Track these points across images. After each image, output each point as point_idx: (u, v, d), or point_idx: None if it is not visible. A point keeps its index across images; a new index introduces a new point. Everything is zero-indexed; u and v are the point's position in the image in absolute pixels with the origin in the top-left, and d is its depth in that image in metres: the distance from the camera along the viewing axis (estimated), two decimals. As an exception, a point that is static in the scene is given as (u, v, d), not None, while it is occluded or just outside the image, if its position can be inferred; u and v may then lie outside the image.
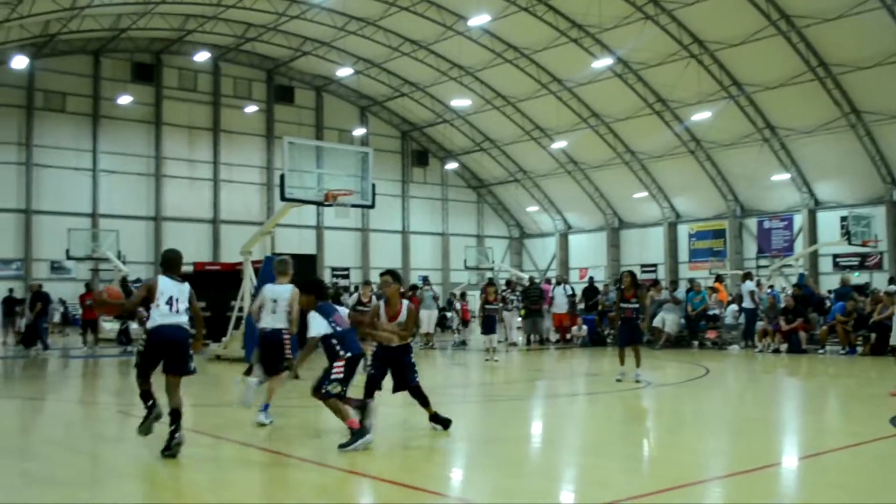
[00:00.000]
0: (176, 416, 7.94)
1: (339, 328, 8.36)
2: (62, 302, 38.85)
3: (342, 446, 8.05)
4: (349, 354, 8.27)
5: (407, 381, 9.25)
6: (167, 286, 8.02)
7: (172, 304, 7.96)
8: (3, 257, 43.46)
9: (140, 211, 47.68)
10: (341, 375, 8.19)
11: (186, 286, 8.18)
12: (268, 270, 19.63)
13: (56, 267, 43.81)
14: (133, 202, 47.40)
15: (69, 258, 38.94)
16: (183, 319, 8.03)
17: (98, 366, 20.56)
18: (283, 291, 10.18)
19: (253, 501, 6.63)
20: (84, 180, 46.22)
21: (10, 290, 31.96)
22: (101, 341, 25.94)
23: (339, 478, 7.45)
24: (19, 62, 39.80)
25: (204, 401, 13.15)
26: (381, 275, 9.57)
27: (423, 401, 9.33)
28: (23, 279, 42.35)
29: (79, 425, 10.92)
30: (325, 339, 8.34)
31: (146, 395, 8.23)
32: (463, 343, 26.55)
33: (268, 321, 10.16)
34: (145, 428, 8.25)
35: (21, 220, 44.28)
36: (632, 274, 14.86)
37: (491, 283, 22.52)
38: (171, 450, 7.87)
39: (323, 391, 8.19)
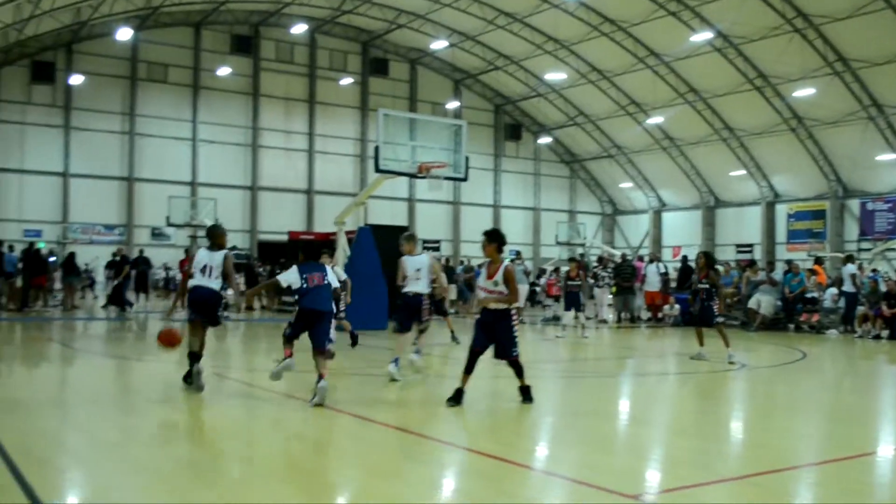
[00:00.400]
0: (195, 357, 10.03)
1: (306, 285, 9.56)
2: (166, 267, 40.07)
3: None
4: (299, 307, 9.68)
5: (506, 353, 9.28)
6: (202, 257, 10.00)
7: (205, 271, 9.88)
8: (106, 223, 45.01)
9: (237, 180, 48.72)
10: (291, 320, 9.77)
11: (220, 255, 10.03)
12: (361, 240, 19.93)
13: (156, 233, 45.18)
14: (230, 171, 48.47)
15: (169, 225, 40.11)
16: (214, 283, 10.00)
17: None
18: (423, 261, 11.80)
19: (338, 462, 6.73)
20: (184, 149, 47.44)
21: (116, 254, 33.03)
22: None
23: (424, 445, 7.51)
24: (124, 34, 40.94)
25: (298, 367, 13.39)
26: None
27: (518, 371, 9.38)
28: (125, 244, 43.78)
29: (175, 385, 11.26)
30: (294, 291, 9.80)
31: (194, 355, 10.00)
32: (556, 318, 26.31)
33: (413, 286, 11.64)
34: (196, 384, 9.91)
35: (124, 187, 45.75)
36: (707, 254, 14.98)
37: (573, 259, 22.33)
38: (191, 379, 9.99)
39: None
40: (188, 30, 47.79)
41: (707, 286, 14.51)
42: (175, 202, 39.21)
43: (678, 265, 28.44)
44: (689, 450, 7.68)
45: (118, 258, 27.30)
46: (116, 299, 25.83)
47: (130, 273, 26.89)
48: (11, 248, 26.26)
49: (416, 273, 11.63)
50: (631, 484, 6.19)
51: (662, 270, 25.78)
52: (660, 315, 25.50)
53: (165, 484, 5.85)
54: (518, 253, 28.50)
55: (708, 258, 14.73)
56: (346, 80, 51.90)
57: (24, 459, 6.18)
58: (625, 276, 25.32)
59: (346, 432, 8.18)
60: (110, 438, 7.65)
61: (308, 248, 10.13)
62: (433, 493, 5.99)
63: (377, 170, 18.75)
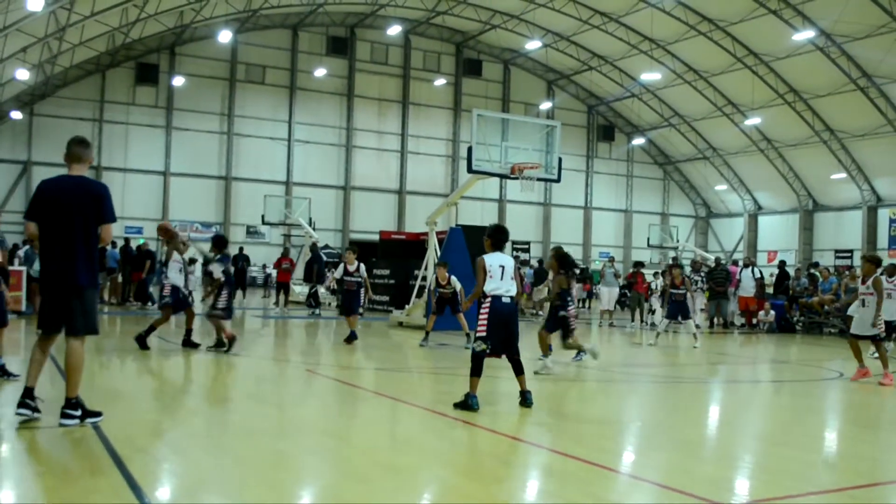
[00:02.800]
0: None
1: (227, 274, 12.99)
2: (263, 266, 41.03)
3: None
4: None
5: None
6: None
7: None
8: (204, 220, 46.25)
9: (331, 180, 49.53)
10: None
11: None
12: (452, 241, 20.02)
13: (251, 231, 46.25)
14: (324, 171, 49.31)
15: (264, 223, 41.00)
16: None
17: (287, 326, 21.58)
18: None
19: (424, 460, 6.80)
20: (280, 149, 48.45)
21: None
22: (292, 304, 27.23)
23: (509, 445, 7.53)
24: (224, 36, 42.06)
25: (385, 365, 13.57)
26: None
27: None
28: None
29: (270, 381, 11.52)
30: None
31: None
32: (653, 324, 25.82)
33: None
34: None
35: (221, 186, 46.98)
36: (559, 254, 13.00)
37: (677, 264, 21.92)
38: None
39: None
40: (286, 32, 48.79)
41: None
42: (270, 201, 40.05)
43: (774, 270, 27.77)
44: (782, 458, 7.51)
45: (140, 252, 26.43)
46: (141, 294, 25.45)
47: (155, 267, 26.30)
48: (114, 245, 27.15)
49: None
50: (719, 491, 6.10)
51: (757, 275, 25.20)
52: (754, 321, 24.96)
53: (257, 476, 6.00)
54: (611, 257, 28.15)
55: (560, 260, 12.56)
56: (440, 81, 52.21)
57: (124, 447, 6.42)
58: (718, 280, 24.81)
59: (434, 431, 8.25)
60: (206, 430, 7.89)
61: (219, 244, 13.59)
62: (521, 494, 6.01)
63: (469, 170, 18.80)
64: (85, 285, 7.08)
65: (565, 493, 5.99)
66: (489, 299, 8.74)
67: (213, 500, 5.48)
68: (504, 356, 8.86)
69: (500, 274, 8.78)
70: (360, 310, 16.09)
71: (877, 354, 15.27)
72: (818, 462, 7.57)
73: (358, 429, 8.21)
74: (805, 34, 38.74)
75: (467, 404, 8.52)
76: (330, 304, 29.69)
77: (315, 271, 25.71)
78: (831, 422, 10.26)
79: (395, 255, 26.65)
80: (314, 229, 35.85)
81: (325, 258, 29.42)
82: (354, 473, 6.23)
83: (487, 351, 8.65)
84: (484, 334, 8.67)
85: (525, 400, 8.84)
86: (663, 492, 6.03)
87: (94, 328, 7.30)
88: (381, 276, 25.34)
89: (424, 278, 20.84)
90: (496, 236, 9.19)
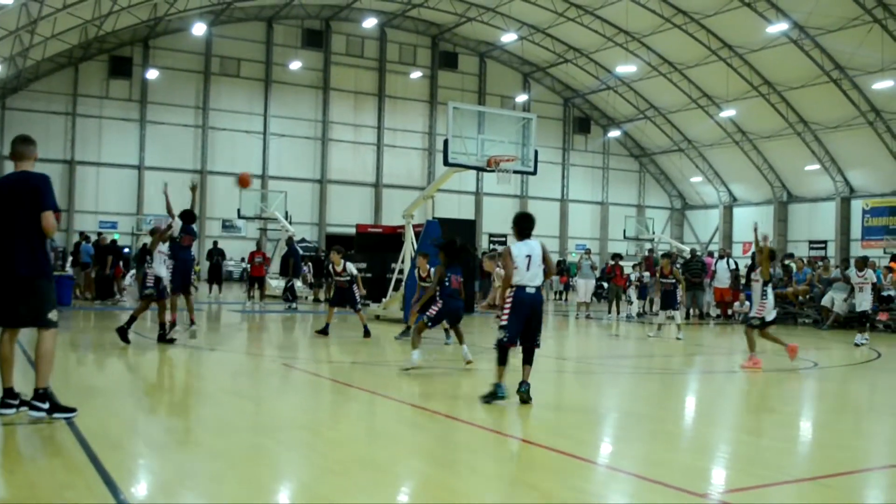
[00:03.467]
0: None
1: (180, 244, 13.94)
2: (242, 260, 40.85)
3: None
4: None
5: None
6: None
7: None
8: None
9: (307, 173, 49.36)
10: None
11: None
12: (429, 234, 19.99)
13: (227, 225, 45.98)
14: (300, 165, 49.14)
15: (240, 217, 40.73)
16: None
17: (264, 320, 21.49)
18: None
19: (402, 453, 6.79)
20: (255, 143, 48.22)
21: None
22: (268, 297, 27.13)
23: (487, 437, 7.53)
24: (199, 29, 41.75)
25: (363, 358, 13.55)
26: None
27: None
28: (196, 236, 44.67)
29: (246, 376, 11.47)
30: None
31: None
32: (639, 315, 25.90)
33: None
34: None
35: (196, 180, 46.61)
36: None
37: (667, 254, 22.03)
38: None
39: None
40: (260, 25, 48.52)
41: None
42: (246, 195, 39.81)
43: (749, 262, 27.94)
44: (758, 448, 7.56)
45: (102, 247, 25.92)
46: (103, 290, 24.97)
47: (114, 262, 25.59)
48: (88, 239, 26.93)
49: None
50: (698, 482, 6.13)
51: (732, 267, 25.36)
52: (729, 312, 25.13)
53: (237, 472, 5.97)
54: (587, 249, 28.24)
55: (445, 250, 11.87)
56: (416, 74, 52.12)
57: (99, 443, 6.37)
58: (694, 271, 24.96)
59: (411, 424, 8.24)
60: (182, 425, 7.85)
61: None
62: (499, 486, 6.01)
63: (446, 163, 18.78)
64: (26, 275, 7.07)
65: (544, 484, 6.00)
66: (513, 289, 8.74)
67: (190, 496, 5.44)
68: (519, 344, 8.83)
69: (525, 264, 8.76)
70: (359, 305, 16.24)
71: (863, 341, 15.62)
72: (792, 451, 7.63)
73: (335, 423, 8.19)
74: (779, 27, 38.98)
75: (494, 394, 8.59)
76: (307, 297, 29.60)
77: (291, 265, 25.63)
78: (806, 411, 10.34)
79: (371, 249, 26.57)
80: (290, 223, 35.68)
81: (301, 252, 29.32)
82: (331, 468, 6.21)
83: (505, 340, 8.67)
84: (505, 323, 8.70)
85: (523, 389, 8.73)
86: (641, 482, 6.05)
87: (42, 320, 7.15)
88: (357, 270, 25.24)
89: (401, 271, 20.82)
90: (520, 224, 9.31)
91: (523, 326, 8.73)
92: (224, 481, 5.71)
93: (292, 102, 49.31)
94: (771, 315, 13.16)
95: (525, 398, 8.68)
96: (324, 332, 15.79)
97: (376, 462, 6.44)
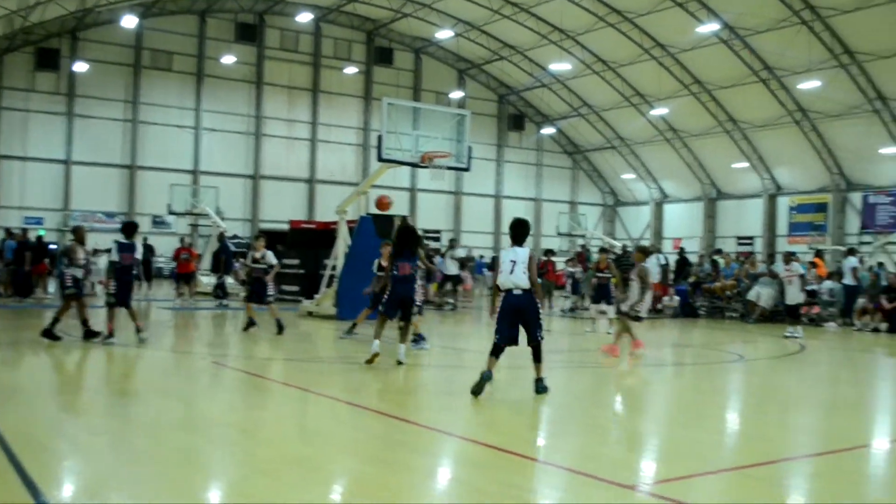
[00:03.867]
0: None
1: (120, 262, 13.12)
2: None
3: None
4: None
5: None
6: None
7: None
8: (108, 210, 45.04)
9: (239, 169, 48.74)
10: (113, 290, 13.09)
11: None
12: (362, 229, 19.93)
13: (157, 221, 45.17)
14: (233, 160, 48.50)
15: (170, 213, 40.07)
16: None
17: (194, 317, 21.19)
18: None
19: (335, 451, 6.76)
20: (187, 138, 47.44)
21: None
22: (199, 294, 26.76)
23: (420, 433, 7.54)
24: (129, 21, 40.92)
25: (294, 356, 13.45)
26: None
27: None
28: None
29: (175, 374, 11.30)
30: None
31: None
32: (572, 309, 26.10)
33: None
34: None
35: (126, 175, 45.79)
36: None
37: (604, 249, 22.27)
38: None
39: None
40: (193, 18, 47.73)
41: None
42: (177, 190, 39.19)
43: (677, 257, 28.43)
44: (686, 440, 7.70)
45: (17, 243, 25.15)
46: (20, 287, 24.30)
47: (36, 259, 24.84)
48: (11, 235, 26.22)
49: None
50: (627, 474, 6.22)
51: (663, 262, 25.75)
52: (659, 306, 25.51)
53: (163, 474, 5.88)
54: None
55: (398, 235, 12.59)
56: (351, 70, 51.83)
57: (21, 445, 6.21)
58: (625, 267, 25.21)
59: (343, 421, 8.20)
60: (108, 425, 7.69)
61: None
62: (430, 483, 6.02)
63: (380, 159, 18.73)
64: None
65: (475, 480, 6.02)
66: (501, 294, 9.32)
67: (115, 498, 5.34)
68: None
69: (509, 269, 9.22)
70: (270, 297, 15.77)
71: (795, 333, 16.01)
72: (719, 442, 7.78)
73: (265, 421, 8.11)
74: (710, 27, 39.65)
75: (480, 380, 9.02)
76: (238, 294, 29.25)
77: (223, 262, 25.29)
78: (732, 403, 10.56)
79: (305, 245, 26.37)
80: (222, 219, 35.25)
81: (233, 248, 28.97)
82: (260, 467, 6.15)
83: (497, 341, 9.25)
84: (496, 326, 9.30)
85: (537, 387, 9.25)
86: (572, 476, 6.12)
87: None
88: (290, 266, 25.03)
89: (334, 267, 20.71)
90: (512, 231, 9.63)
91: (514, 328, 9.26)
92: (151, 482, 5.62)
93: (225, 97, 48.61)
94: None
95: (478, 387, 9.03)
96: (248, 327, 15.51)
97: (308, 460, 6.40)
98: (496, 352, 9.27)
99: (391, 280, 11.75)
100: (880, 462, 7.37)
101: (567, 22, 44.45)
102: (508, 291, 9.23)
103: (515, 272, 9.19)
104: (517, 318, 9.23)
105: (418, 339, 13.35)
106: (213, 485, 5.82)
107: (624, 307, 13.96)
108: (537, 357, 9.35)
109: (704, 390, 11.37)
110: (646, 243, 45.75)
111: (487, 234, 55.65)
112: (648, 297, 13.69)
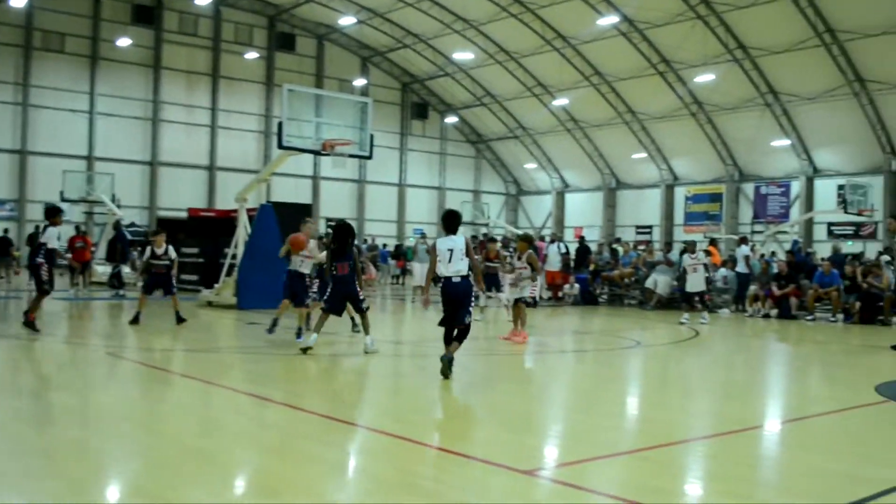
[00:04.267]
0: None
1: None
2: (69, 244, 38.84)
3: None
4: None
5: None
6: None
7: None
8: (-3, 197, 43.40)
9: (136, 155, 47.49)
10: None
11: None
12: (262, 218, 19.66)
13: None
14: (129, 146, 47.19)
15: (63, 200, 38.62)
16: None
17: (89, 308, 20.60)
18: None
19: (234, 443, 6.67)
20: (80, 122, 45.96)
21: (6, 231, 32.05)
22: (94, 284, 26.02)
23: (322, 423, 7.49)
24: (18, 0, 39.31)
25: (194, 346, 13.21)
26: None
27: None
28: (17, 220, 42.37)
29: (68, 366, 10.97)
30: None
31: None
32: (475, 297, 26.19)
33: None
34: None
35: (16, 160, 44.10)
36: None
37: (492, 239, 22.39)
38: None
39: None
40: (86, -2, 46.21)
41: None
42: (70, 177, 37.92)
43: (577, 246, 28.89)
44: (584, 425, 7.85)
45: None
46: None
47: None
48: None
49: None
50: (526, 459, 6.30)
51: (563, 250, 26.13)
52: (560, 294, 25.91)
53: (54, 467, 5.70)
54: (423, 233, 28.51)
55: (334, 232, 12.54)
56: (252, 55, 51.01)
57: None
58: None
59: (244, 413, 8.10)
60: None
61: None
62: (333, 472, 5.98)
63: (280, 146, 18.49)
64: None
65: (377, 469, 6.02)
66: (440, 280, 9.75)
67: (4, 496, 5.15)
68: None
69: (447, 257, 9.68)
70: (174, 289, 15.46)
71: (692, 322, 16.32)
72: (617, 426, 7.96)
73: (163, 413, 7.94)
74: (610, 19, 40.38)
75: (442, 361, 9.47)
76: (135, 284, 28.55)
77: (119, 250, 24.64)
78: (630, 388, 10.80)
79: (204, 233, 25.89)
80: (119, 206, 34.31)
81: (130, 237, 28.25)
82: (157, 460, 6.02)
83: (443, 325, 9.80)
84: (443, 312, 9.79)
85: (442, 358, 9.53)
86: (472, 463, 6.17)
87: None
88: (189, 255, 24.54)
89: (234, 256, 20.39)
90: (445, 222, 10.08)
91: (451, 310, 9.71)
92: (43, 478, 5.44)
93: (121, 81, 47.20)
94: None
95: (445, 369, 9.39)
96: (135, 321, 15.13)
97: (207, 453, 6.29)
98: (447, 338, 9.75)
99: (331, 279, 11.82)
100: (771, 443, 7.64)
101: (470, 11, 44.66)
102: (448, 279, 9.68)
103: (454, 260, 9.66)
104: (453, 303, 9.67)
105: (300, 331, 13.08)
106: (109, 480, 5.66)
107: (518, 294, 14.22)
108: (459, 339, 9.76)
109: (603, 376, 11.60)
110: (547, 232, 46.36)
111: (391, 222, 55.61)
112: (540, 280, 14.13)
